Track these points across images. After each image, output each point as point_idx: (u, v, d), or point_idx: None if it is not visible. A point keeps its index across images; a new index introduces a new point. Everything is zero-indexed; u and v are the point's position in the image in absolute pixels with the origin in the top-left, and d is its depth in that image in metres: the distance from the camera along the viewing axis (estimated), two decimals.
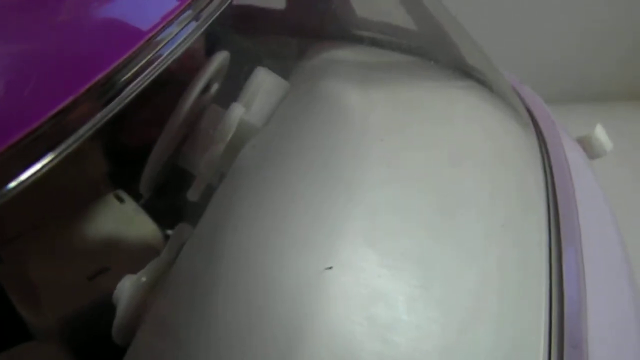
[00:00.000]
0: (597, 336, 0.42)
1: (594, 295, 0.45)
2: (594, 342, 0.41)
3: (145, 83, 0.37)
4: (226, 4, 0.48)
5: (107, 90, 0.35)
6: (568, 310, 0.43)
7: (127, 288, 0.52)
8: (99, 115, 0.34)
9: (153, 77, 0.39)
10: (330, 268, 0.40)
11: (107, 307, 0.53)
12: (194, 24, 0.43)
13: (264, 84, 0.60)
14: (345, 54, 0.72)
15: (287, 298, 0.40)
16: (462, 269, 0.44)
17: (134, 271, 0.53)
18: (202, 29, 0.43)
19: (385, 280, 0.42)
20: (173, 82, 0.55)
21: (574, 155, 0.64)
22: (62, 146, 0.33)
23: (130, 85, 0.37)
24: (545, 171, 0.59)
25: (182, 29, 0.42)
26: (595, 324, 0.43)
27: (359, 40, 0.74)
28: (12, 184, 0.32)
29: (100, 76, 0.35)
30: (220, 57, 0.59)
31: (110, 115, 0.34)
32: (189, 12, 0.43)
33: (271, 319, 0.39)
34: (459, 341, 0.39)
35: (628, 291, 0.51)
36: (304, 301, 0.40)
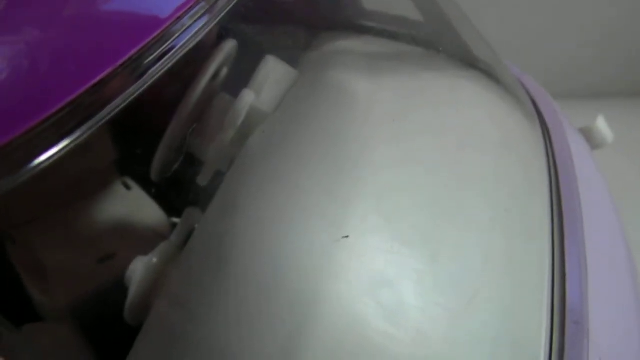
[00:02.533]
0: (598, 315, 0.43)
1: (595, 279, 0.47)
2: (595, 321, 0.42)
3: (165, 69, 0.39)
4: None
5: (131, 71, 0.36)
6: (570, 290, 0.44)
7: (139, 269, 0.53)
8: (121, 97, 0.35)
9: (169, 65, 0.40)
10: (347, 237, 0.41)
11: (116, 290, 0.55)
12: (207, 16, 0.44)
13: (274, 72, 0.61)
14: (352, 44, 0.72)
15: (298, 274, 0.41)
16: (467, 249, 0.45)
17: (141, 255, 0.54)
18: (220, 16, 0.44)
19: (393, 260, 0.43)
20: (184, 69, 0.56)
21: (576, 144, 0.65)
22: (80, 130, 0.35)
23: (150, 71, 0.38)
24: (548, 158, 0.60)
25: (197, 20, 0.43)
26: (596, 304, 0.44)
27: (366, 31, 0.75)
28: (35, 162, 0.34)
29: (121, 61, 0.36)
30: (229, 46, 0.60)
31: (132, 97, 0.35)
32: (202, 4, 0.44)
33: (282, 294, 0.40)
34: (464, 318, 0.40)
35: (628, 276, 0.53)
36: (314, 277, 0.41)
